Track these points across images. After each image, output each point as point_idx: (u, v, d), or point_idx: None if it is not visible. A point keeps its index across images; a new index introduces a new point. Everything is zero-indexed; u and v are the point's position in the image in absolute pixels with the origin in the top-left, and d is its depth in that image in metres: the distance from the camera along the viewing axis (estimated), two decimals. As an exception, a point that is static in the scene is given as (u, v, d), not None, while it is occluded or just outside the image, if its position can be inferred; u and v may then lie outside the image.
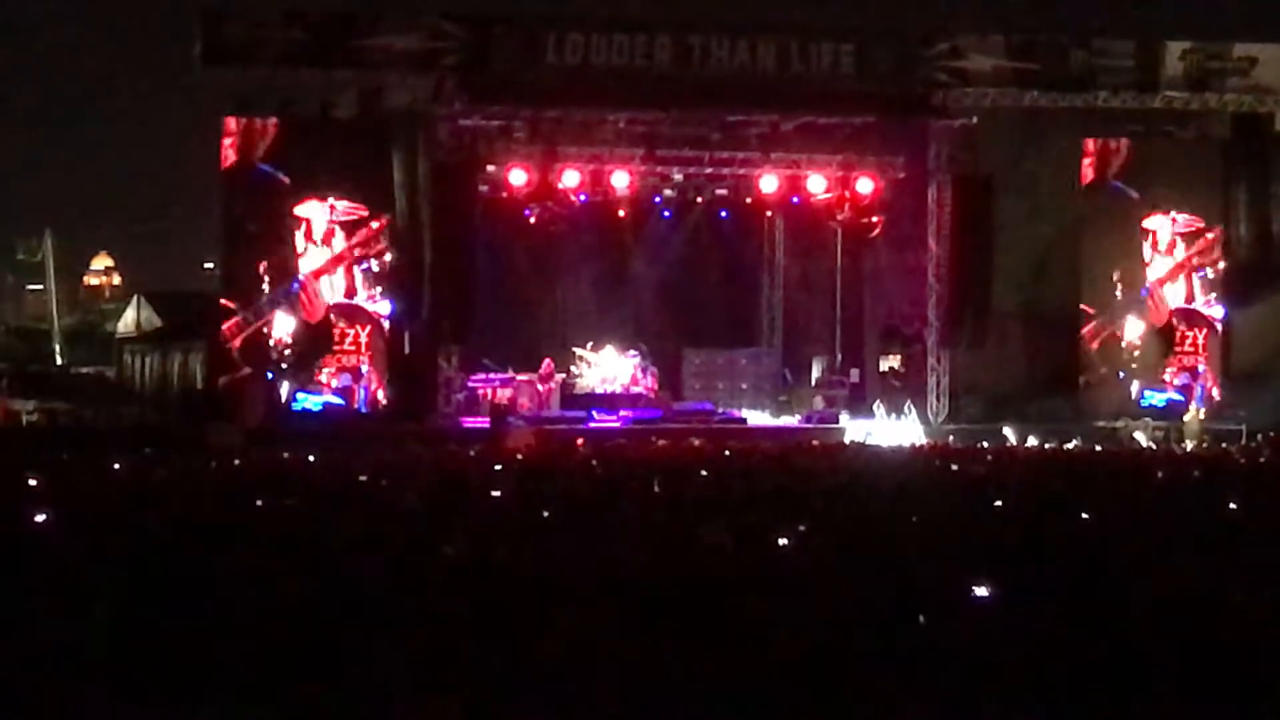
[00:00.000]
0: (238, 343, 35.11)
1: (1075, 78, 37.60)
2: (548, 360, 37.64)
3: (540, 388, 37.20)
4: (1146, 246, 38.87)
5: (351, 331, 35.87)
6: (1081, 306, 38.58)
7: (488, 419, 35.39)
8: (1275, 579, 10.41)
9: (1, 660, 8.33)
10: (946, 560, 11.32)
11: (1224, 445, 33.31)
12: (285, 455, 26.93)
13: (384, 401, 35.94)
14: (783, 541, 12.57)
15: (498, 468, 23.33)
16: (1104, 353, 38.63)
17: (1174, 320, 39.11)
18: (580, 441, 31.08)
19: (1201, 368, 39.06)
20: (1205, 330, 39.22)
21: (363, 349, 35.94)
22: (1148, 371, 38.69)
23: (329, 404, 35.57)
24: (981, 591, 9.59)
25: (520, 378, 37.33)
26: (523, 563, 11.43)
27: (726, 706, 7.90)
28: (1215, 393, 38.68)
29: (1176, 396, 38.36)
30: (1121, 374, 38.49)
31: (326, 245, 35.46)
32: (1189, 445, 34.16)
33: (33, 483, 19.04)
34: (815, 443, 32.03)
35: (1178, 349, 39.05)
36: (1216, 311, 39.19)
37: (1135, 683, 8.12)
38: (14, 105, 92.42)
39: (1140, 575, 10.89)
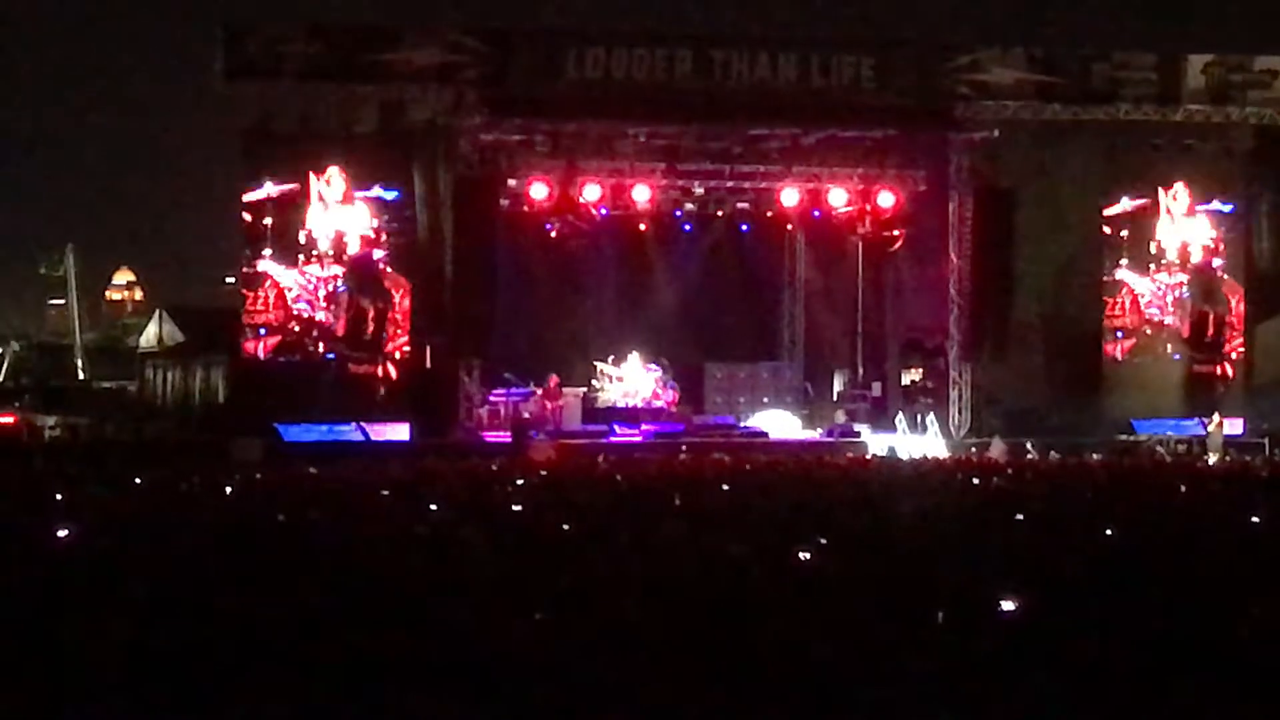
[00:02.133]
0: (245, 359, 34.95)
1: (1097, 91, 37.50)
2: (553, 377, 37.09)
3: (549, 404, 36.88)
4: (1169, 258, 38.68)
5: (379, 357, 34.97)
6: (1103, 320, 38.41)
7: (509, 433, 35.33)
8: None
9: (26, 672, 8.35)
10: (970, 574, 11.31)
11: (1247, 458, 33.17)
12: (311, 470, 26.92)
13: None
14: (804, 555, 12.56)
15: (520, 481, 23.31)
16: (1119, 368, 38.40)
17: (1199, 344, 38.72)
18: (601, 457, 31.02)
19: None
20: (1236, 351, 38.68)
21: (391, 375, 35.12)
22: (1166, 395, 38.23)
23: (339, 436, 34.28)
24: (1008, 605, 9.58)
25: (541, 392, 37.19)
26: (541, 574, 11.44)
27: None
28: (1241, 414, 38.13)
29: (1199, 431, 36.91)
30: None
31: (337, 256, 34.87)
32: (1211, 458, 33.98)
33: (56, 497, 19.09)
34: (833, 456, 31.87)
35: (1198, 370, 38.64)
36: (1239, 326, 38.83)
37: (1160, 695, 8.10)
38: (36, 120, 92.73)
39: (1163, 588, 10.86)
